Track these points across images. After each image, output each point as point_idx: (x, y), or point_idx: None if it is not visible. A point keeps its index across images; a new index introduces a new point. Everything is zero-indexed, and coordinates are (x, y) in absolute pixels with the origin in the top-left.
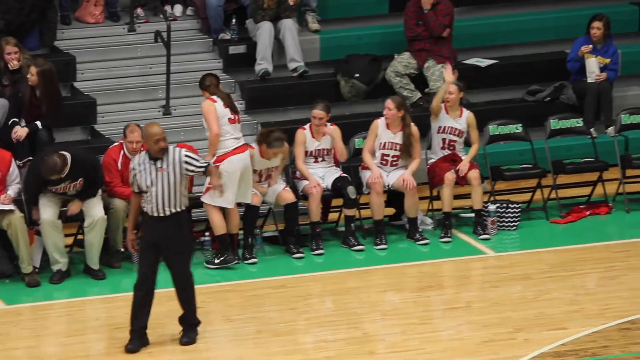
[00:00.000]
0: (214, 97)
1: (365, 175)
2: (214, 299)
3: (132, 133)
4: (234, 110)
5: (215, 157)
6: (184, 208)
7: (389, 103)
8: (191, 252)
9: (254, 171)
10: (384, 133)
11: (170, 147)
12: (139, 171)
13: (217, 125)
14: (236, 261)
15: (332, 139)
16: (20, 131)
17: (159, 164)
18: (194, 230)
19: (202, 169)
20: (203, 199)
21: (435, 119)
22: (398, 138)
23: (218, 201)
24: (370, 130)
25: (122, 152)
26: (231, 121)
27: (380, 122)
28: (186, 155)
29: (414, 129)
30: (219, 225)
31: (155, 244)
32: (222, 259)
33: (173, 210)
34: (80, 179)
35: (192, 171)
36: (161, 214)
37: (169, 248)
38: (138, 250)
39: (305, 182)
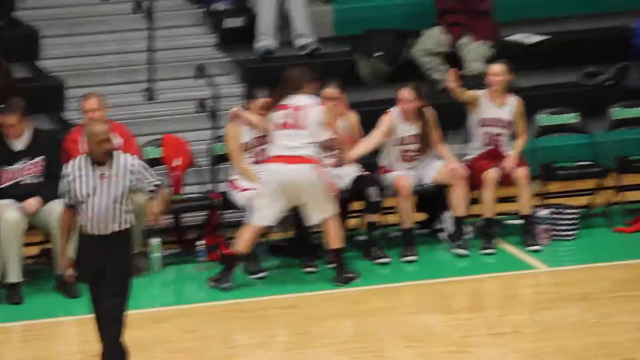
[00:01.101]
0: None
1: (389, 178)
2: (213, 321)
3: (87, 100)
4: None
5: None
6: (128, 226)
7: (405, 94)
8: (130, 281)
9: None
10: (401, 127)
11: (118, 152)
12: (75, 177)
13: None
14: (228, 286)
15: (350, 127)
16: None
17: (102, 169)
18: (186, 239)
19: (152, 188)
20: None
21: (474, 109)
22: (417, 129)
23: (257, 213)
24: (381, 125)
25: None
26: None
27: (395, 116)
28: (135, 164)
29: (430, 113)
30: (241, 242)
31: (96, 267)
32: (216, 279)
33: (116, 228)
34: (40, 158)
35: (138, 183)
36: (101, 232)
37: (106, 273)
38: (73, 279)
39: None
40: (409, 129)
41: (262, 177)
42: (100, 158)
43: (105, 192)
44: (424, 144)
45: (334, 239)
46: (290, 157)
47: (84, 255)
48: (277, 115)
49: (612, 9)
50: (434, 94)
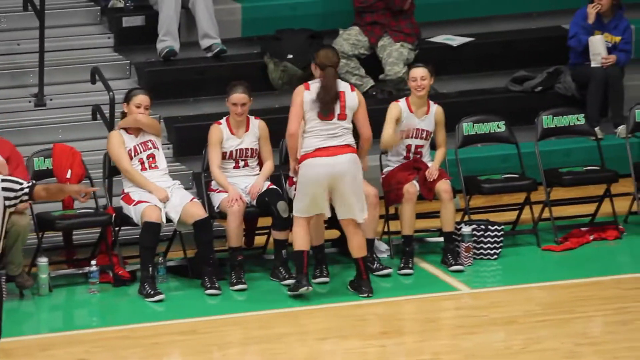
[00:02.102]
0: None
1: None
2: (102, 349)
3: None
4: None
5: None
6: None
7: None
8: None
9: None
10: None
11: None
12: None
13: (296, 122)
14: (309, 288)
15: (259, 139)
16: None
17: None
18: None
19: (26, 192)
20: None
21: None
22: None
23: (310, 212)
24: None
25: None
26: (319, 116)
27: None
28: (3, 180)
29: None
30: (299, 241)
31: None
32: (293, 287)
33: None
34: None
35: (13, 199)
36: None
37: None
38: None
39: (222, 195)
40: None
41: (304, 174)
42: None
43: None
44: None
45: (362, 246)
46: (338, 147)
47: None
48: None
49: (543, 7)
50: None
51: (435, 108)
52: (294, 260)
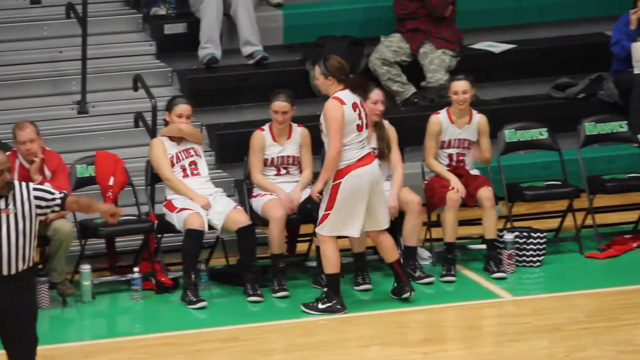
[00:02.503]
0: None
1: None
2: (145, 356)
3: (22, 130)
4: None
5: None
6: (33, 264)
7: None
8: (35, 325)
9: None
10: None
11: (15, 182)
12: None
13: (341, 138)
14: (344, 312)
15: (300, 146)
16: None
17: (2, 203)
18: (120, 265)
19: (57, 203)
20: (319, 230)
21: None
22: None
23: (343, 230)
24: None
25: (17, 162)
26: (359, 128)
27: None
28: (35, 189)
29: (390, 129)
30: (334, 262)
31: None
32: (329, 305)
33: (21, 267)
34: None
35: (45, 207)
36: (4, 272)
37: (12, 320)
38: None
39: (263, 200)
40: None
41: (348, 187)
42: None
43: (9, 227)
44: (381, 159)
45: (393, 248)
46: (370, 155)
47: None
48: (351, 116)
49: (586, 13)
50: (394, 107)
51: (478, 118)
52: (329, 283)
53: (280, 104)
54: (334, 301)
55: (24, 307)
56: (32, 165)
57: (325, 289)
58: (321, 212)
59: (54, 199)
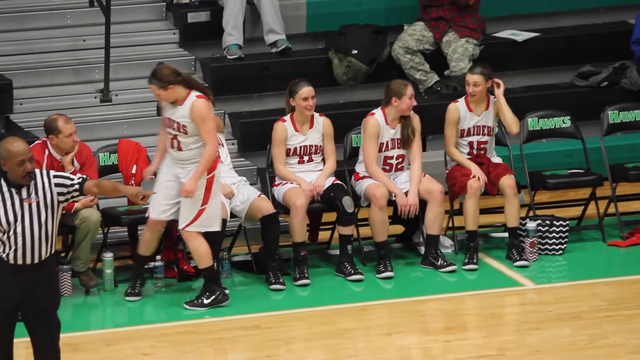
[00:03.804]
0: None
1: (363, 186)
2: (166, 344)
3: (69, 123)
4: None
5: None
6: (55, 251)
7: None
8: (57, 309)
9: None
10: (385, 130)
11: (37, 170)
12: None
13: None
14: (228, 299)
15: (323, 136)
16: None
17: (24, 192)
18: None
19: (76, 188)
20: (191, 228)
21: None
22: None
23: (211, 225)
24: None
25: (46, 152)
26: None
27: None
28: (55, 176)
29: (415, 118)
30: (208, 255)
31: (13, 307)
32: (213, 297)
33: (44, 255)
34: None
35: (66, 194)
36: (28, 262)
37: (35, 308)
38: None
39: (285, 188)
40: (393, 133)
41: (215, 178)
42: (22, 180)
43: (32, 217)
44: (405, 147)
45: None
46: None
47: (2, 292)
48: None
49: (607, 3)
50: (417, 95)
51: (492, 102)
52: (209, 276)
53: (309, 89)
54: (217, 292)
55: (48, 294)
56: (67, 156)
57: (206, 283)
58: (196, 210)
59: (72, 185)
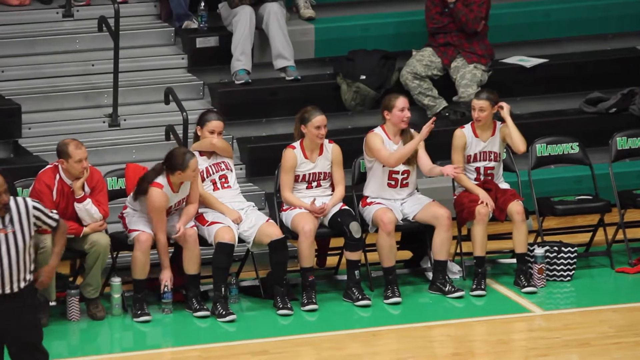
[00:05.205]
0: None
1: (371, 212)
2: None
3: (80, 148)
4: None
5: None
6: (31, 278)
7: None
8: (41, 340)
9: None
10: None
11: (11, 201)
12: None
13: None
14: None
15: (332, 163)
16: None
17: (0, 223)
18: (151, 278)
19: (54, 223)
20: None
21: (461, 150)
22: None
23: None
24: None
25: (57, 177)
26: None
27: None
28: (34, 207)
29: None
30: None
31: None
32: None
33: (22, 284)
34: None
35: (41, 226)
36: (7, 291)
37: (14, 340)
38: None
39: (293, 213)
40: (395, 148)
41: None
42: None
43: (9, 246)
44: (407, 163)
45: None
46: None
47: None
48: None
49: (617, 28)
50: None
51: (499, 127)
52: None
53: (322, 118)
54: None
55: (28, 324)
56: (77, 182)
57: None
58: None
59: (51, 218)
